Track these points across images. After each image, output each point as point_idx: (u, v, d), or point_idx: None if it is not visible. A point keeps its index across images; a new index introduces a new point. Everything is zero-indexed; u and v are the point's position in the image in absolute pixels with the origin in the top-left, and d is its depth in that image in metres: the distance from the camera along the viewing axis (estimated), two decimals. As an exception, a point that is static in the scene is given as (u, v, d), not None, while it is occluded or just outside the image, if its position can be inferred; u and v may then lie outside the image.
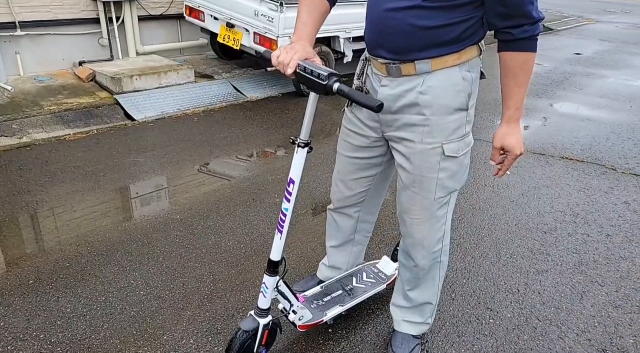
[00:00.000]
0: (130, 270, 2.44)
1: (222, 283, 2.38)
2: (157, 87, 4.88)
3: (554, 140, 4.50)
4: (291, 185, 1.62)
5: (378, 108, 1.33)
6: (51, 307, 2.17)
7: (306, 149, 1.56)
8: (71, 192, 3.13)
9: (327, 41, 5.29)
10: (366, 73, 1.67)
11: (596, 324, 2.25)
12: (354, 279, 2.19)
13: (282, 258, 1.74)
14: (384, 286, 2.20)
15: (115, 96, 4.64)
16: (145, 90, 4.80)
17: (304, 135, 1.54)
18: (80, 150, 3.77)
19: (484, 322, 2.23)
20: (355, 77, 1.70)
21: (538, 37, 1.44)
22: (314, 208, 3.10)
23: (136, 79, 4.75)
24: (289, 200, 1.64)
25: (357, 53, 5.84)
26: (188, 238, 2.72)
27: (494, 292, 2.42)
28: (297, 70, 1.42)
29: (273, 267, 1.73)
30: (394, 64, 1.53)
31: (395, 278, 2.22)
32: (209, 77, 5.44)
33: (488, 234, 2.92)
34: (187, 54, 6.05)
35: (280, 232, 1.68)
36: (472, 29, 1.47)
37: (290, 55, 1.43)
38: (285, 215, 1.66)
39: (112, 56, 5.26)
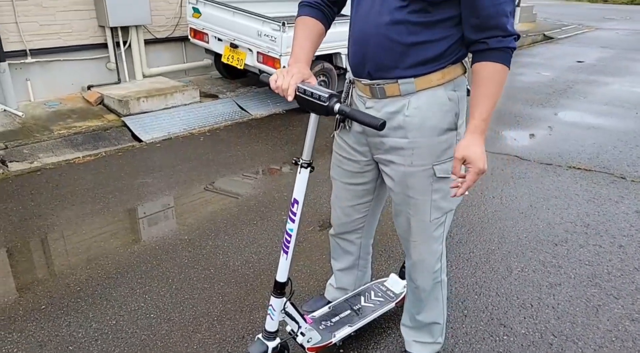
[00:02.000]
0: (141, 293, 2.44)
1: (232, 304, 2.38)
2: (164, 108, 4.94)
3: (561, 150, 4.48)
4: (295, 205, 1.63)
5: (381, 126, 1.35)
6: (63, 333, 2.18)
7: (309, 169, 1.57)
8: (81, 215, 3.16)
9: (329, 58, 5.34)
10: (351, 95, 1.69)
11: (613, 339, 2.22)
12: (362, 298, 2.18)
13: (289, 279, 1.74)
14: (393, 304, 2.19)
15: (122, 118, 4.70)
16: (152, 111, 4.86)
17: (306, 155, 1.56)
18: (90, 173, 3.81)
19: (497, 339, 2.20)
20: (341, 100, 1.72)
21: (511, 51, 1.42)
22: (321, 224, 3.11)
23: (143, 101, 4.82)
24: (293, 221, 1.64)
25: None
26: (196, 258, 2.73)
27: (507, 308, 2.39)
28: (297, 93, 1.45)
29: (279, 289, 1.73)
30: (377, 85, 1.54)
31: (404, 296, 2.21)
32: (214, 96, 5.50)
33: (498, 247, 2.90)
34: (192, 74, 6.13)
35: (286, 252, 1.69)
36: (454, 46, 1.48)
37: (288, 79, 1.45)
38: (290, 236, 1.66)
39: (119, 79, 5.34)
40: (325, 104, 1.40)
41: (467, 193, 1.45)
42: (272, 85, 1.49)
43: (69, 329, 2.20)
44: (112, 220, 3.12)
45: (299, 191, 1.61)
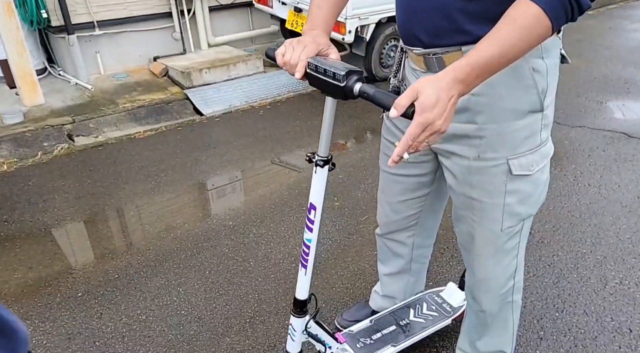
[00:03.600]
0: (175, 285, 2.29)
1: (267, 304, 2.16)
2: (226, 80, 4.77)
3: (682, 125, 3.71)
4: (312, 211, 1.33)
5: (412, 114, 0.97)
6: (93, 326, 2.08)
7: (326, 167, 1.25)
8: (131, 195, 3.08)
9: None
10: (403, 68, 1.31)
11: None
12: (412, 312, 1.85)
13: (311, 295, 1.46)
14: (449, 321, 1.84)
15: (185, 91, 4.59)
16: (215, 83, 4.70)
17: (322, 151, 1.24)
18: (147, 148, 3.74)
19: (579, 371, 1.78)
20: (392, 74, 1.34)
21: (570, 11, 0.95)
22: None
23: (205, 73, 4.67)
24: (311, 230, 1.35)
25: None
26: (237, 248, 2.53)
27: (597, 332, 1.93)
28: (308, 70, 1.12)
29: (299, 307, 1.45)
30: (434, 55, 1.15)
31: (463, 311, 1.85)
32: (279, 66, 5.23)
33: (591, 251, 2.39)
34: (259, 42, 5.88)
35: (305, 267, 1.40)
36: None
37: (298, 52, 1.11)
38: (308, 247, 1.38)
39: (184, 50, 5.23)
40: (342, 84, 1.05)
41: (406, 158, 0.97)
42: (279, 60, 1.16)
43: (100, 322, 2.10)
44: (159, 201, 3.01)
45: (316, 194, 1.30)
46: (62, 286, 2.32)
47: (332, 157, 1.26)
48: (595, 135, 3.59)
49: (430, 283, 2.22)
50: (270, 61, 1.29)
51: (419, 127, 0.94)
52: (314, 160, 1.25)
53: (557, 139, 3.54)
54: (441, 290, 1.94)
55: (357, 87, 1.05)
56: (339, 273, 2.32)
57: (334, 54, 1.15)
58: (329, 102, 1.18)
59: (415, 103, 0.94)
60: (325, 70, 1.08)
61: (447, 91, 0.94)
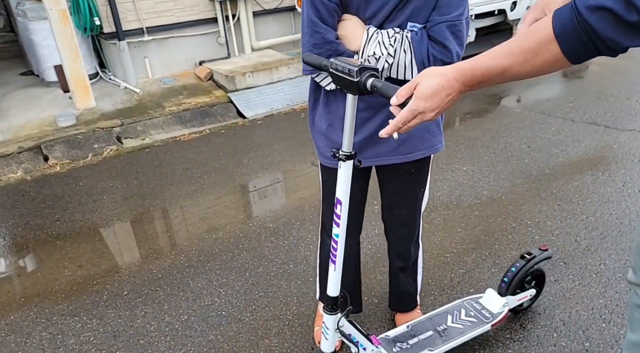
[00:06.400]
0: (217, 286, 2.35)
1: (306, 307, 2.18)
2: (269, 83, 4.84)
3: None
4: (339, 206, 1.37)
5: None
6: (137, 324, 2.16)
7: (350, 162, 1.30)
8: (176, 196, 3.18)
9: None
10: None
11: None
12: (450, 318, 1.83)
13: (343, 293, 1.48)
14: (489, 326, 1.80)
15: (229, 94, 4.70)
16: (257, 86, 4.79)
17: (346, 146, 1.29)
18: (192, 151, 3.85)
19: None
20: None
21: (590, 42, 0.83)
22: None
23: (249, 76, 4.76)
24: (338, 225, 1.38)
25: (481, 31, 5.22)
26: (278, 250, 2.57)
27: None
28: (331, 69, 1.20)
29: (331, 304, 1.49)
30: None
31: (503, 317, 1.81)
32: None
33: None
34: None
35: (334, 262, 1.43)
36: None
37: None
38: (336, 243, 1.41)
39: (229, 54, 5.35)
40: (356, 80, 1.13)
41: (395, 137, 1.06)
42: None
43: (144, 320, 2.18)
44: (203, 203, 3.09)
45: (342, 189, 1.35)
46: (108, 284, 2.42)
47: (355, 152, 1.30)
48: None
49: (471, 290, 2.18)
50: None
51: (410, 113, 1.00)
52: (337, 155, 1.29)
53: (605, 143, 3.41)
54: (480, 297, 1.90)
55: (370, 82, 1.12)
56: (377, 277, 2.31)
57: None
58: (350, 99, 1.24)
59: (414, 90, 0.99)
60: (342, 68, 1.16)
61: (447, 89, 0.97)
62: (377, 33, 1.36)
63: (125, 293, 2.36)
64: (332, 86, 1.45)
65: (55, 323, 2.19)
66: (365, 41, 1.36)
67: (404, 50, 1.35)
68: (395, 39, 1.35)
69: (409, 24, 1.36)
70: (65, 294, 2.37)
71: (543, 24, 0.88)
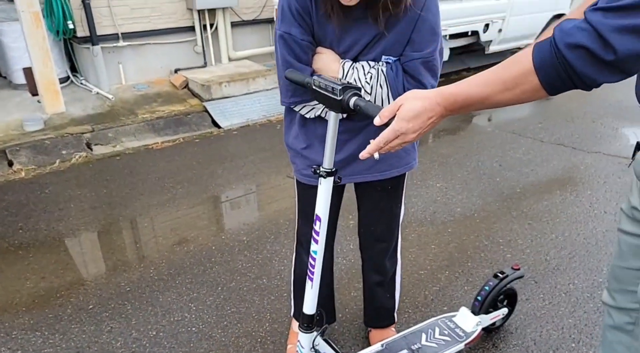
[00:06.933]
0: (187, 301, 2.29)
1: (279, 324, 2.14)
2: (245, 93, 4.82)
3: None
4: (317, 223, 1.36)
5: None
6: (102, 340, 2.08)
7: (330, 178, 1.29)
8: (146, 206, 3.10)
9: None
10: None
11: None
12: (424, 336, 1.82)
13: (319, 311, 1.46)
14: (462, 345, 1.80)
15: (204, 103, 4.65)
16: (234, 96, 4.76)
17: (327, 163, 1.28)
18: (164, 160, 3.78)
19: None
20: None
21: (567, 77, 0.86)
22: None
23: (225, 86, 4.72)
24: (317, 242, 1.36)
25: (455, 50, 5.34)
26: (251, 264, 2.53)
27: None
28: (314, 87, 1.20)
29: (307, 322, 1.46)
30: None
31: (476, 337, 1.82)
32: (299, 81, 5.28)
33: (607, 280, 2.34)
34: (279, 57, 5.95)
35: (311, 279, 1.41)
36: None
37: None
38: (314, 260, 1.39)
39: (205, 63, 5.30)
40: (339, 98, 1.12)
41: (376, 157, 1.06)
42: None
43: (110, 336, 2.10)
44: (174, 214, 3.02)
45: (322, 206, 1.33)
46: (73, 297, 2.33)
47: (336, 169, 1.29)
48: (611, 162, 3.54)
49: (445, 308, 2.19)
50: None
51: (392, 133, 1.01)
52: (318, 171, 1.29)
53: (573, 164, 3.51)
54: (454, 315, 1.91)
55: (352, 100, 1.12)
56: (352, 294, 2.30)
57: None
58: (332, 117, 1.23)
59: (397, 111, 1.01)
60: (326, 85, 1.16)
61: (429, 112, 0.99)
62: (353, 68, 1.36)
63: (90, 307, 2.27)
64: (313, 114, 1.44)
65: (15, 338, 2.09)
66: (341, 77, 1.36)
67: (380, 85, 1.36)
68: (371, 76, 1.35)
69: (384, 57, 1.36)
70: (27, 307, 2.26)
71: (524, 56, 0.91)
